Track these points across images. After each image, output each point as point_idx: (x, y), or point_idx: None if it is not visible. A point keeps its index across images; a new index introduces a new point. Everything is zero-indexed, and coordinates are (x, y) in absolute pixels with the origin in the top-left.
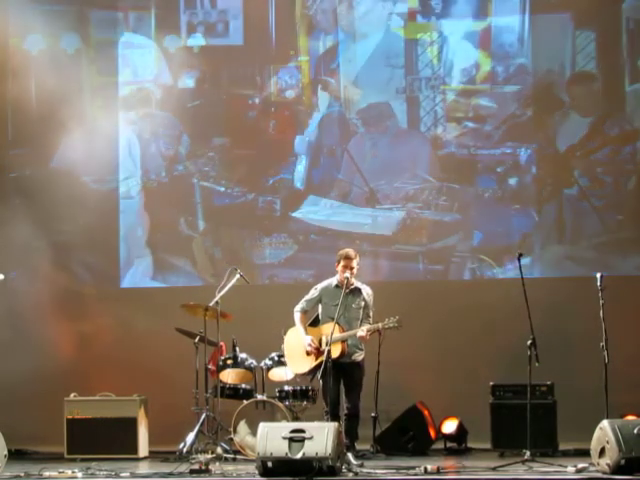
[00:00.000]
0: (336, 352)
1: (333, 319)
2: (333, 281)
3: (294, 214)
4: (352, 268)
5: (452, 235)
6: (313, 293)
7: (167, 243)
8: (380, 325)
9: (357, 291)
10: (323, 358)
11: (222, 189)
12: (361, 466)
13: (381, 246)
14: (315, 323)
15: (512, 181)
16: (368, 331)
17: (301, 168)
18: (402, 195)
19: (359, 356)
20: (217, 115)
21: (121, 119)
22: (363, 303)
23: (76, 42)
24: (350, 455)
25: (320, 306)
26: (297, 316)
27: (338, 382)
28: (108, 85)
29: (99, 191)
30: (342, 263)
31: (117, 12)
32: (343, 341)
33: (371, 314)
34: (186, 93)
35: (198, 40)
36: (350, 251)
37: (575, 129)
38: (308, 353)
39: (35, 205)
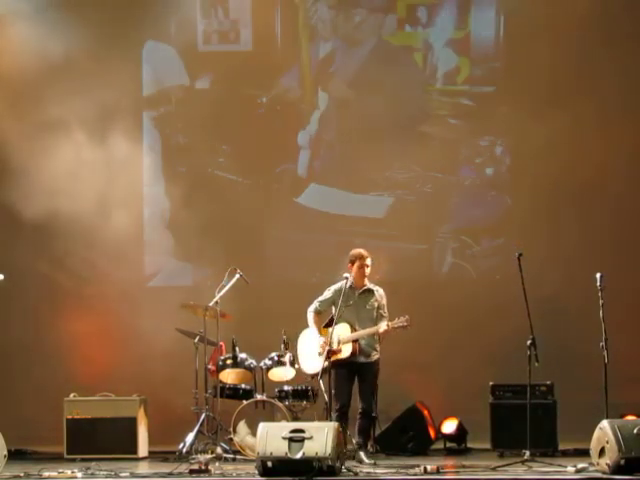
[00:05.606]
0: (347, 352)
1: (346, 320)
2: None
3: (298, 200)
4: (368, 267)
5: (436, 218)
6: (327, 294)
7: (186, 225)
8: (390, 324)
9: (369, 292)
10: (335, 357)
11: (234, 177)
12: (374, 465)
13: (373, 228)
14: (330, 324)
15: (489, 170)
16: (387, 326)
17: (304, 159)
18: (392, 183)
19: (375, 356)
20: (229, 113)
21: (145, 116)
22: (376, 304)
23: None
24: (362, 453)
25: (334, 307)
26: (310, 316)
27: (351, 382)
28: (133, 87)
29: (126, 179)
30: (357, 263)
31: (143, 22)
32: (355, 341)
33: (386, 314)
34: (202, 93)
35: (213, 46)
36: (363, 251)
37: None
38: (320, 353)
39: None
